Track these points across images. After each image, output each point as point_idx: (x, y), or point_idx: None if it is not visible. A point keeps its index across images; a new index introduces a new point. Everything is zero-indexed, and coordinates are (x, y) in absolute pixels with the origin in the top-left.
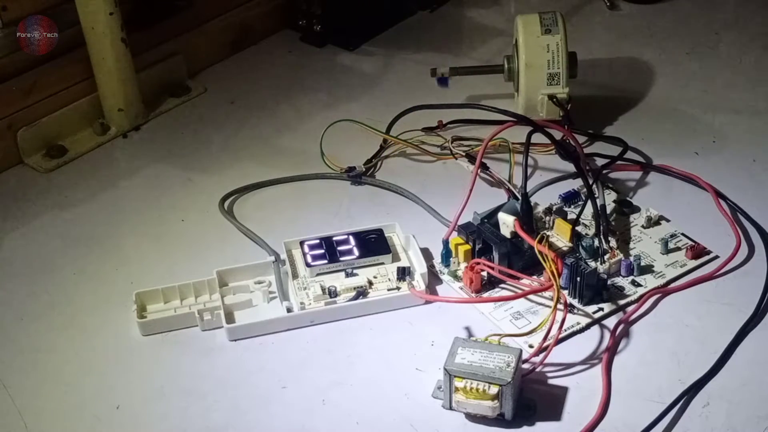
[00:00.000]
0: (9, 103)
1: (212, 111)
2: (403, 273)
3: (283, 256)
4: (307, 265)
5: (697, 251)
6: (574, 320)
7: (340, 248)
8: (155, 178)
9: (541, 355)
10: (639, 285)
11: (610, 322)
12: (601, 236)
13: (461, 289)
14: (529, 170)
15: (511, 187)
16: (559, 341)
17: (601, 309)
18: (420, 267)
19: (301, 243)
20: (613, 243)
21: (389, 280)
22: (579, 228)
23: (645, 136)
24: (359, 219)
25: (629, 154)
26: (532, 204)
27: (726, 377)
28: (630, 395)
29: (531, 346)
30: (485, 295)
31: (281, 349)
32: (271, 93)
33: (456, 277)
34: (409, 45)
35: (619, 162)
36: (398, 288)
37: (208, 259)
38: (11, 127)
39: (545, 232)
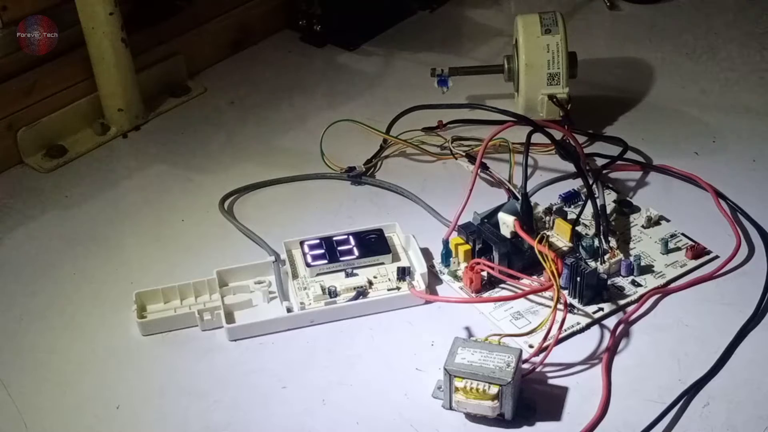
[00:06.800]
0: (9, 103)
1: (212, 111)
2: (403, 273)
3: (283, 256)
4: (307, 265)
5: (697, 251)
6: (574, 320)
7: (340, 248)
8: (155, 178)
9: (541, 355)
10: (639, 285)
11: (610, 322)
12: (601, 236)
13: (461, 289)
14: (529, 170)
15: (511, 187)
16: (559, 341)
17: (601, 309)
18: (420, 267)
19: (301, 243)
20: (613, 243)
21: (389, 280)
22: (579, 228)
23: (645, 136)
24: (359, 219)
25: (629, 154)
26: (532, 204)
27: (726, 377)
28: (630, 395)
29: (531, 346)
30: (485, 295)
31: (281, 349)
32: (271, 93)
33: (456, 277)
34: (409, 45)
35: (619, 162)
36: (398, 288)
37: (208, 259)
38: (11, 127)
39: (545, 232)
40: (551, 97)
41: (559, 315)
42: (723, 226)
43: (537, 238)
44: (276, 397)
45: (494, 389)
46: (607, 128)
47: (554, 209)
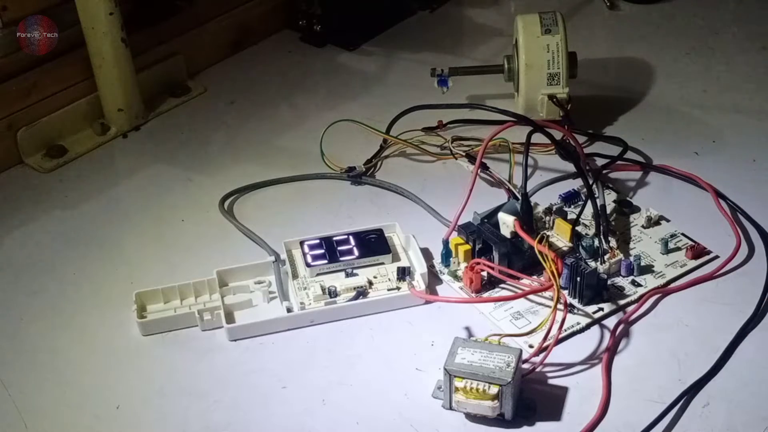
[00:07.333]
0: (9, 103)
1: (212, 111)
2: (403, 273)
3: (283, 256)
4: (307, 265)
5: (697, 251)
6: (574, 320)
7: (340, 248)
8: (155, 178)
9: (541, 355)
10: (639, 285)
11: (610, 322)
12: (601, 236)
13: (461, 289)
14: (529, 170)
15: (511, 187)
16: (559, 341)
17: (601, 309)
18: (420, 267)
19: (301, 243)
20: (613, 243)
21: (389, 280)
22: (579, 228)
23: (645, 136)
24: (359, 219)
25: (629, 154)
26: (532, 204)
27: (726, 377)
28: (630, 395)
29: (531, 346)
30: (485, 295)
31: (281, 349)
32: (271, 93)
33: (456, 277)
34: (409, 45)
35: (619, 162)
36: (398, 288)
37: (208, 259)
38: (11, 127)
39: (545, 232)
40: (551, 97)
41: (559, 315)
42: (723, 226)
43: (537, 238)
44: (276, 397)
45: (494, 389)
46: (607, 128)
47: (554, 209)
